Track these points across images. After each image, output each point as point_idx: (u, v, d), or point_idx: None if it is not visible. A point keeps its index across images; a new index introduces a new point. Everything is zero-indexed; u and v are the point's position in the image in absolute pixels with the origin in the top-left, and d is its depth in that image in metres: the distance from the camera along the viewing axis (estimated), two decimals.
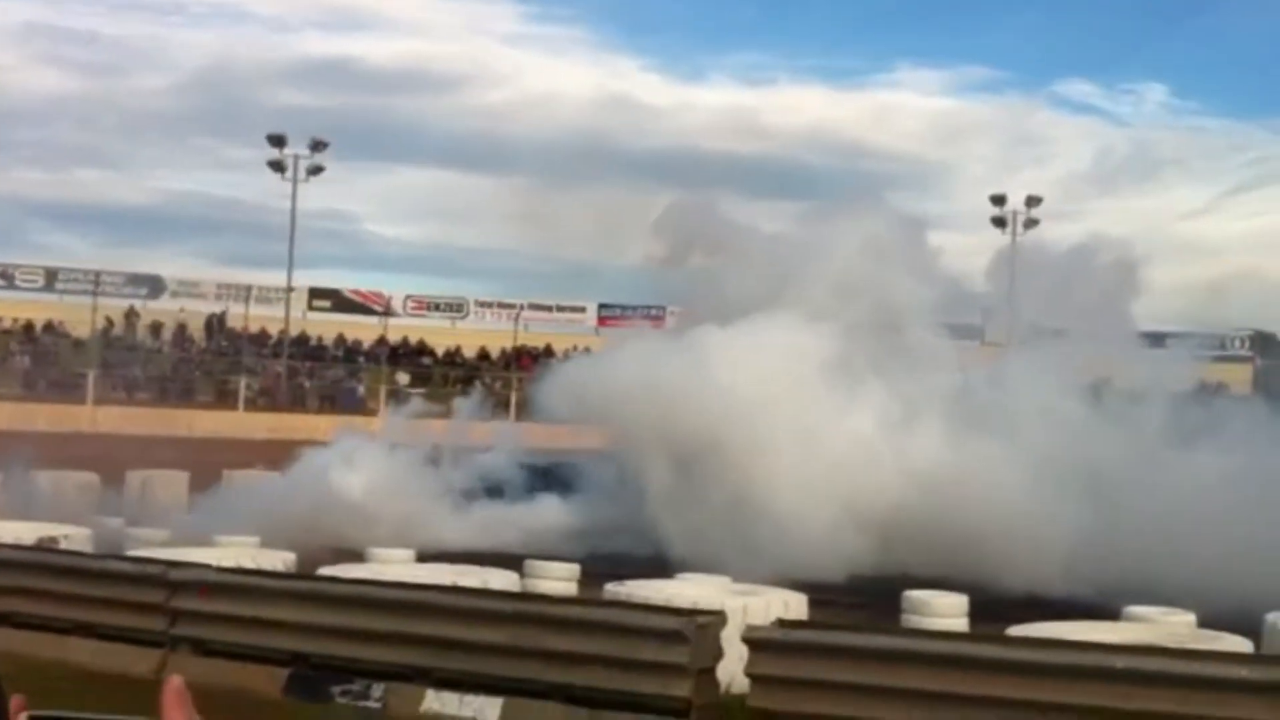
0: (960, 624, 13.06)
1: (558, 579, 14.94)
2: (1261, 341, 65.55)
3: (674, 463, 21.97)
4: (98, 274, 47.63)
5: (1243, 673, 8.17)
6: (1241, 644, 10.51)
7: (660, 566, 15.61)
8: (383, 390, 42.66)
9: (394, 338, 48.70)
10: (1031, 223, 65.04)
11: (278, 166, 46.89)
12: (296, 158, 46.68)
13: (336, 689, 10.58)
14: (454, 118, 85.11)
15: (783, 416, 21.87)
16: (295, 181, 46.91)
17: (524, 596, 12.31)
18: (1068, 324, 27.24)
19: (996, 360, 25.58)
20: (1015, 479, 20.82)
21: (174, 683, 1.19)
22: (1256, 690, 7.99)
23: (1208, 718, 8.01)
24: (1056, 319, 27.67)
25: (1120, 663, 8.35)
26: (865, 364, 23.37)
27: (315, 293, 51.07)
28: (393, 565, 14.70)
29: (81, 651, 11.44)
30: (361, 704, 10.39)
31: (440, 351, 48.27)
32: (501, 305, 52.59)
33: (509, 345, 48.75)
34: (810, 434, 21.79)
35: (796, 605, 12.29)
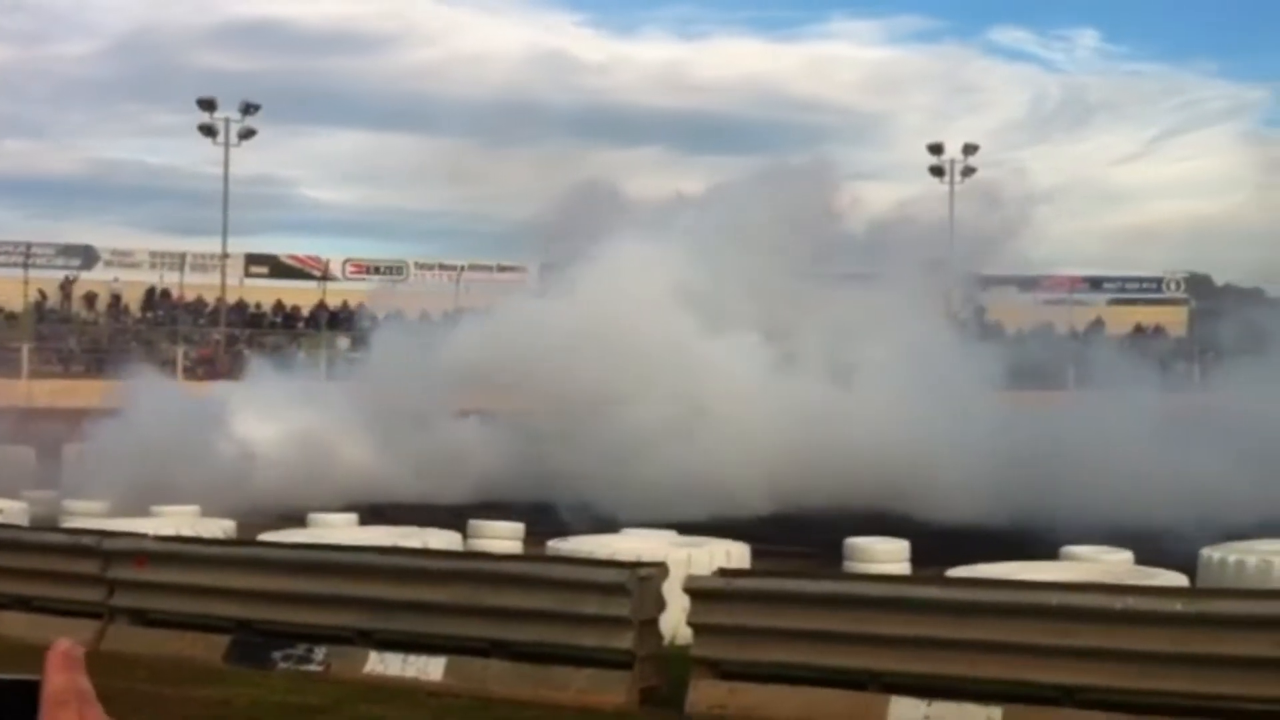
0: (902, 569, 13.19)
1: (502, 538, 14.94)
2: (1196, 284, 66.46)
3: (555, 413, 22.32)
4: (28, 246, 46.82)
5: (1176, 606, 8.28)
6: (1177, 579, 10.67)
7: (604, 523, 15.65)
8: (323, 355, 42.32)
9: (333, 302, 48.26)
10: (969, 171, 65.46)
11: (209, 131, 46.20)
12: (228, 121, 46.03)
13: (278, 654, 10.52)
14: (386, 78, 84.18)
15: (649, 348, 22.31)
16: (227, 146, 46.27)
17: (465, 555, 12.31)
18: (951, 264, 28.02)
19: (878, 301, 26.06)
20: (900, 414, 21.36)
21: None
22: (1189, 623, 8.10)
23: (1142, 651, 8.12)
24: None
25: (1055, 599, 8.44)
26: (751, 304, 23.88)
27: (252, 259, 50.48)
28: (334, 529, 14.63)
29: (17, 625, 11.30)
30: (304, 668, 10.34)
31: (380, 315, 47.87)
32: (442, 267, 52.21)
33: (451, 308, 48.47)
34: (685, 372, 22.24)
35: (739, 555, 12.38)
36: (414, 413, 23.57)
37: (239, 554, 11.74)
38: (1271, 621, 7.94)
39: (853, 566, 13.25)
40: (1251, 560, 11.31)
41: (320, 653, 10.40)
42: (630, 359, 22.15)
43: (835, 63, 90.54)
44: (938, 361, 23.84)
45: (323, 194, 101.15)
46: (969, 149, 65.62)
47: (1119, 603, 8.33)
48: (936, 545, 13.78)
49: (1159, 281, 71.92)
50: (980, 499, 18.80)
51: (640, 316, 22.70)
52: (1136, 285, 72.61)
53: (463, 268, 51.18)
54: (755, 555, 12.79)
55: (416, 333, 27.42)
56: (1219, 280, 58.77)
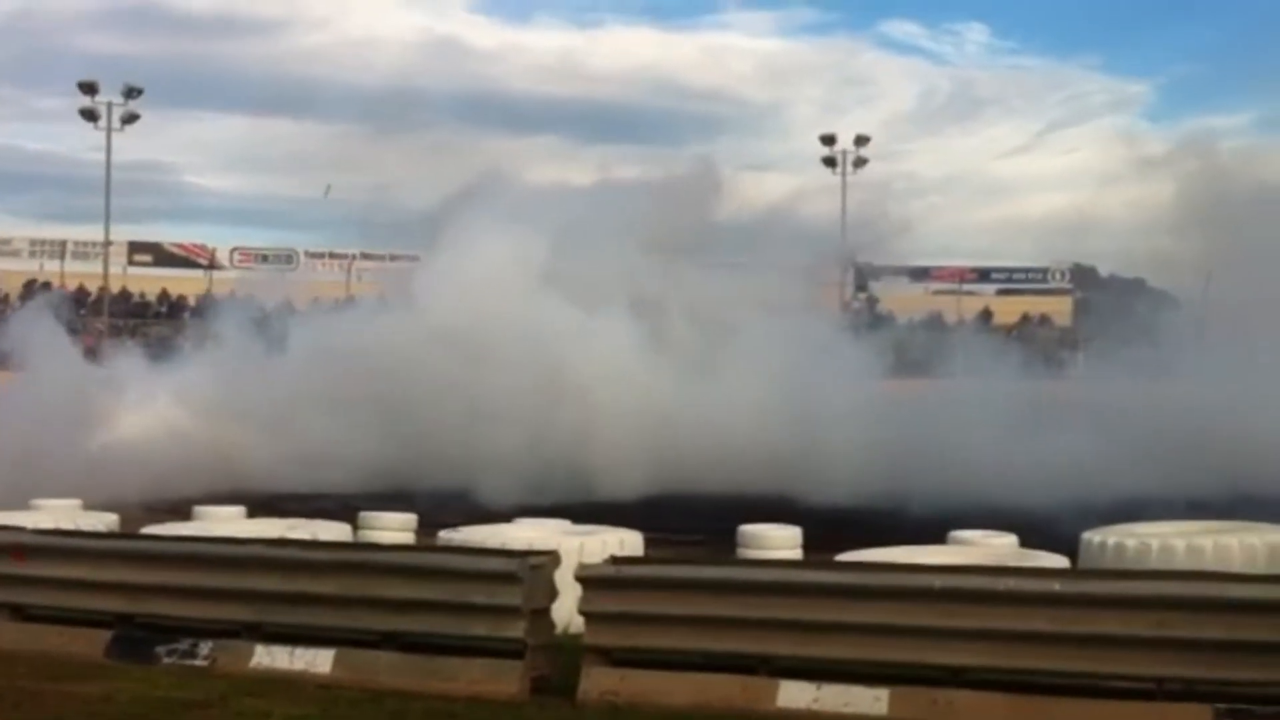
0: (795, 555, 13.31)
1: (393, 529, 14.78)
2: (1081, 274, 67.96)
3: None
4: None
5: (1055, 587, 8.47)
6: (1058, 561, 10.90)
7: (499, 513, 15.60)
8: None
9: (221, 291, 47.42)
10: (861, 162, 66.22)
11: (90, 115, 45.12)
12: (110, 105, 44.98)
13: (162, 649, 10.31)
14: (273, 62, 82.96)
15: (512, 337, 22.66)
16: (109, 130, 45.23)
17: (352, 546, 12.17)
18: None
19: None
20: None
21: None
22: (1068, 603, 8.29)
23: (1022, 630, 8.30)
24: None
25: (939, 582, 8.59)
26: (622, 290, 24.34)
27: (135, 247, 49.49)
28: (220, 522, 14.39)
29: None
30: (188, 662, 10.15)
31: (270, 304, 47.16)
32: (333, 256, 51.64)
33: (342, 296, 47.91)
34: (551, 354, 22.60)
35: (632, 543, 12.40)
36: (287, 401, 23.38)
37: (120, 547, 11.48)
38: (1147, 601, 8.15)
39: (746, 553, 13.34)
40: (1131, 543, 11.58)
41: (205, 647, 10.22)
42: (492, 350, 22.32)
43: (729, 53, 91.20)
44: (812, 348, 24.32)
45: (208, 181, 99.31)
46: (860, 140, 66.37)
47: (1001, 584, 8.50)
48: (825, 531, 13.91)
49: (1045, 272, 73.53)
50: (854, 483, 19.25)
51: (502, 307, 22.91)
52: (1023, 276, 74.20)
53: (354, 256, 50.64)
54: (648, 543, 12.82)
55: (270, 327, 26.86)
56: (1103, 271, 60.18)
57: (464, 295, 23.28)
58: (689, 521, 17.14)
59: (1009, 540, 12.67)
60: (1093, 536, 11.94)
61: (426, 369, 22.45)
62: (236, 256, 50.96)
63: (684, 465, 21.36)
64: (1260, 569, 10.64)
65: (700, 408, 22.70)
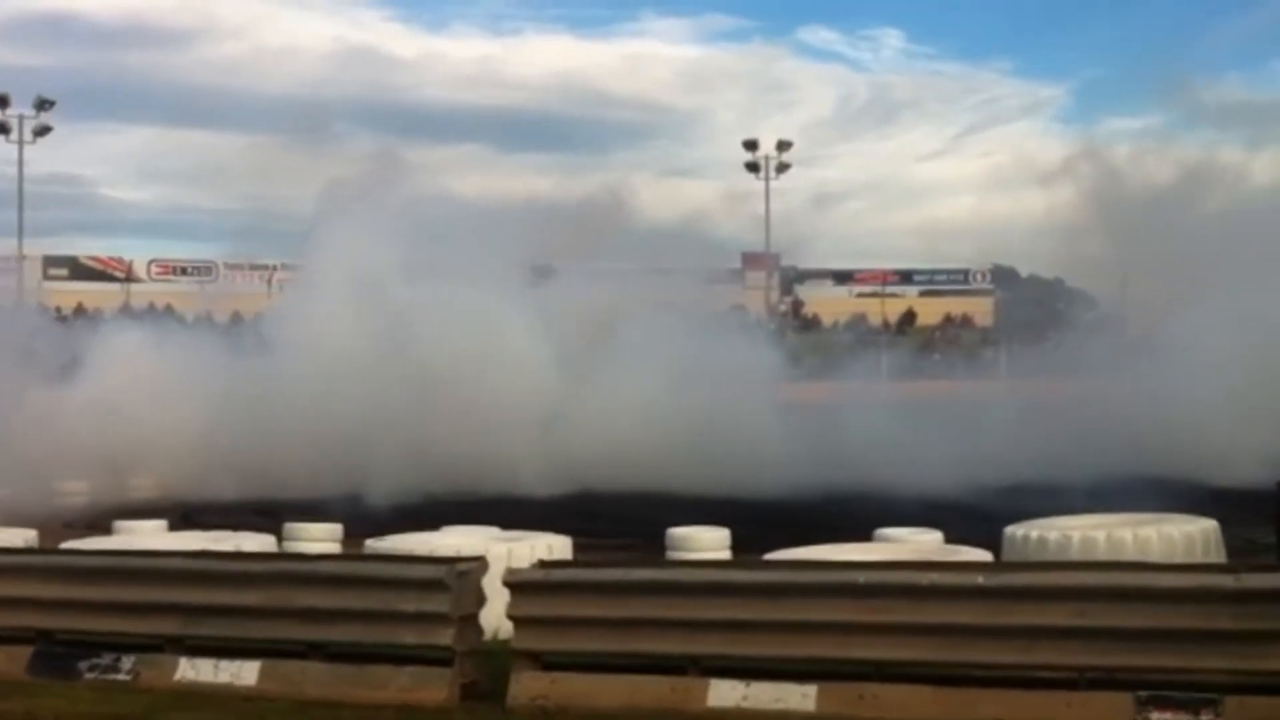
0: (723, 556, 13.35)
1: (318, 540, 14.63)
2: (1002, 275, 68.92)
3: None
4: None
5: (978, 580, 8.57)
6: (981, 556, 11.04)
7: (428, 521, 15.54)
8: None
9: (139, 304, 46.76)
10: (783, 167, 66.66)
11: (1, 129, 44.30)
12: (21, 118, 44.21)
13: (84, 664, 10.14)
14: (187, 73, 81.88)
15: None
16: (21, 143, 44.46)
17: (277, 556, 12.03)
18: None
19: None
20: None
21: None
22: (991, 595, 8.39)
23: (946, 624, 8.39)
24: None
25: (863, 578, 8.66)
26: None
27: (50, 261, 48.65)
28: (141, 535, 14.18)
29: None
30: (111, 677, 9.99)
31: (190, 317, 46.56)
32: (253, 267, 51.01)
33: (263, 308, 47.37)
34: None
35: (560, 548, 12.36)
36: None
37: (39, 562, 11.29)
38: (1067, 592, 8.28)
39: (675, 555, 13.37)
40: (1052, 535, 11.74)
41: (128, 661, 10.06)
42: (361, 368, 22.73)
43: (648, 60, 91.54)
44: (705, 350, 24.80)
45: (123, 193, 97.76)
46: (783, 145, 66.81)
47: (924, 578, 8.59)
48: (753, 531, 13.98)
49: (966, 273, 74.48)
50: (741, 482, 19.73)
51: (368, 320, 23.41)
52: (945, 277, 75.12)
53: (275, 267, 50.04)
54: (577, 548, 12.80)
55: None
56: (1023, 272, 61.06)
57: (321, 321, 23.69)
58: (602, 524, 17.20)
59: (934, 536, 12.82)
60: (1015, 530, 12.08)
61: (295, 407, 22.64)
62: (154, 269, 50.24)
63: (573, 464, 21.80)
64: (1178, 558, 10.83)
65: (587, 408, 23.19)
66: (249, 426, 22.47)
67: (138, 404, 22.81)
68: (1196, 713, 7.87)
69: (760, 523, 15.50)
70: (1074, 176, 31.14)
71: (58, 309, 45.42)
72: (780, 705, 8.59)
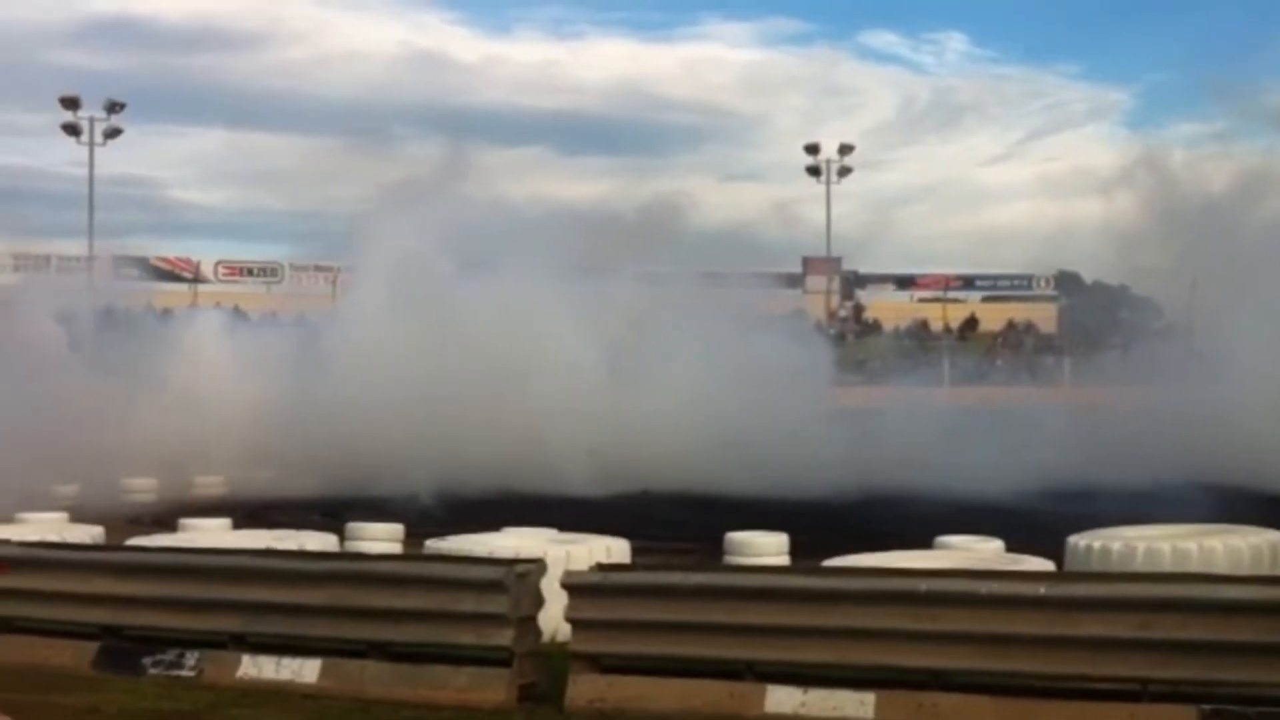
0: (781, 561, 13.32)
1: (379, 539, 14.76)
2: (1066, 281, 68.17)
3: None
4: None
5: (1040, 590, 8.49)
6: (1044, 565, 10.93)
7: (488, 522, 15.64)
8: None
9: (206, 304, 47.34)
10: (845, 171, 66.37)
11: (72, 130, 45.12)
12: (92, 120, 44.93)
13: (148, 660, 10.30)
14: (255, 77, 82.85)
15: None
16: (92, 145, 45.22)
17: (338, 556, 12.16)
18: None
19: None
20: None
21: None
22: (1051, 606, 8.31)
23: (1008, 634, 8.32)
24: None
25: (924, 586, 8.61)
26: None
27: (120, 261, 49.30)
28: (205, 533, 14.37)
29: None
30: (174, 673, 10.14)
31: (256, 318, 47.10)
32: (318, 268, 51.46)
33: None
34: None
35: (619, 551, 12.38)
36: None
37: (106, 559, 11.48)
38: (1131, 603, 8.19)
39: (734, 560, 13.34)
40: (1116, 546, 11.62)
41: (192, 658, 10.21)
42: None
43: (709, 64, 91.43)
44: (748, 356, 24.96)
45: (191, 195, 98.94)
46: (844, 149, 66.51)
47: (984, 587, 8.53)
48: (812, 537, 13.93)
49: (1029, 279, 73.72)
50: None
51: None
52: (1008, 283, 74.39)
53: (339, 269, 50.46)
54: (634, 551, 12.81)
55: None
56: (1087, 278, 60.40)
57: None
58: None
59: (995, 545, 12.70)
60: (1078, 540, 11.96)
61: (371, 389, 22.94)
62: (221, 270, 50.87)
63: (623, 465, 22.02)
64: (1245, 570, 10.69)
65: (633, 409, 23.37)
66: (311, 425, 22.72)
67: (205, 400, 23.19)
68: None
69: (820, 528, 15.43)
70: (1134, 182, 30.82)
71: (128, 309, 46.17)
72: (838, 713, 8.56)
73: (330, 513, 17.65)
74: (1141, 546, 11.42)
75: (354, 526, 15.05)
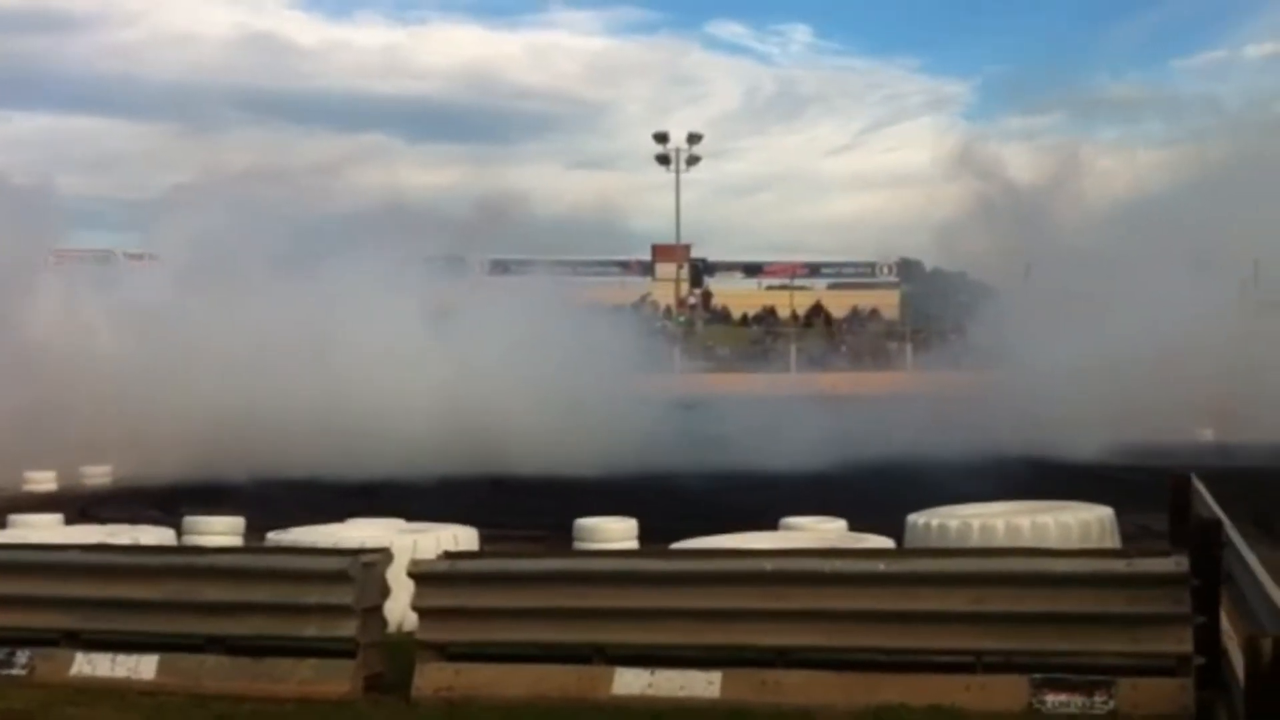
0: (631, 546, 13.36)
1: (218, 533, 14.39)
2: (908, 268, 69.83)
3: None
4: None
5: (879, 567, 8.68)
6: (884, 543, 11.17)
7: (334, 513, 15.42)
8: None
9: None
10: (693, 160, 66.89)
11: None
12: None
13: None
14: (84, 59, 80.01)
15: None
16: None
17: (176, 550, 11.85)
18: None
19: None
20: None
21: None
22: (892, 582, 8.50)
23: (851, 610, 8.49)
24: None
25: (769, 565, 8.73)
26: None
27: None
28: (38, 530, 13.87)
29: None
30: (6, 672, 9.77)
31: None
32: (154, 256, 50.02)
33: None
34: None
35: (466, 539, 12.29)
36: None
37: None
38: (965, 578, 8.41)
39: (583, 546, 13.34)
40: (953, 524, 11.91)
41: (23, 656, 9.85)
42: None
43: (556, 51, 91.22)
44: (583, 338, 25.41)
45: (19, 181, 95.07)
46: (693, 138, 67.01)
47: (828, 566, 8.68)
48: (660, 522, 14.02)
49: (873, 266, 75.32)
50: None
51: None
52: (852, 270, 75.92)
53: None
54: (484, 540, 12.74)
55: None
56: (928, 265, 61.95)
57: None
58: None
59: (839, 525, 12.94)
60: (917, 519, 12.25)
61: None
62: (51, 259, 49.00)
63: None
64: (1075, 545, 11.04)
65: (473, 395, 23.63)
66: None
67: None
68: (1090, 694, 8.03)
69: (667, 513, 15.55)
70: (963, 172, 31.85)
71: None
72: (685, 692, 8.63)
73: (164, 507, 17.22)
74: (977, 524, 11.73)
75: (192, 520, 14.67)
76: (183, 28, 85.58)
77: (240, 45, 78.08)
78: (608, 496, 16.65)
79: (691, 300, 68.49)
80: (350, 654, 9.25)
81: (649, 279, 68.86)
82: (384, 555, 9.62)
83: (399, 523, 13.41)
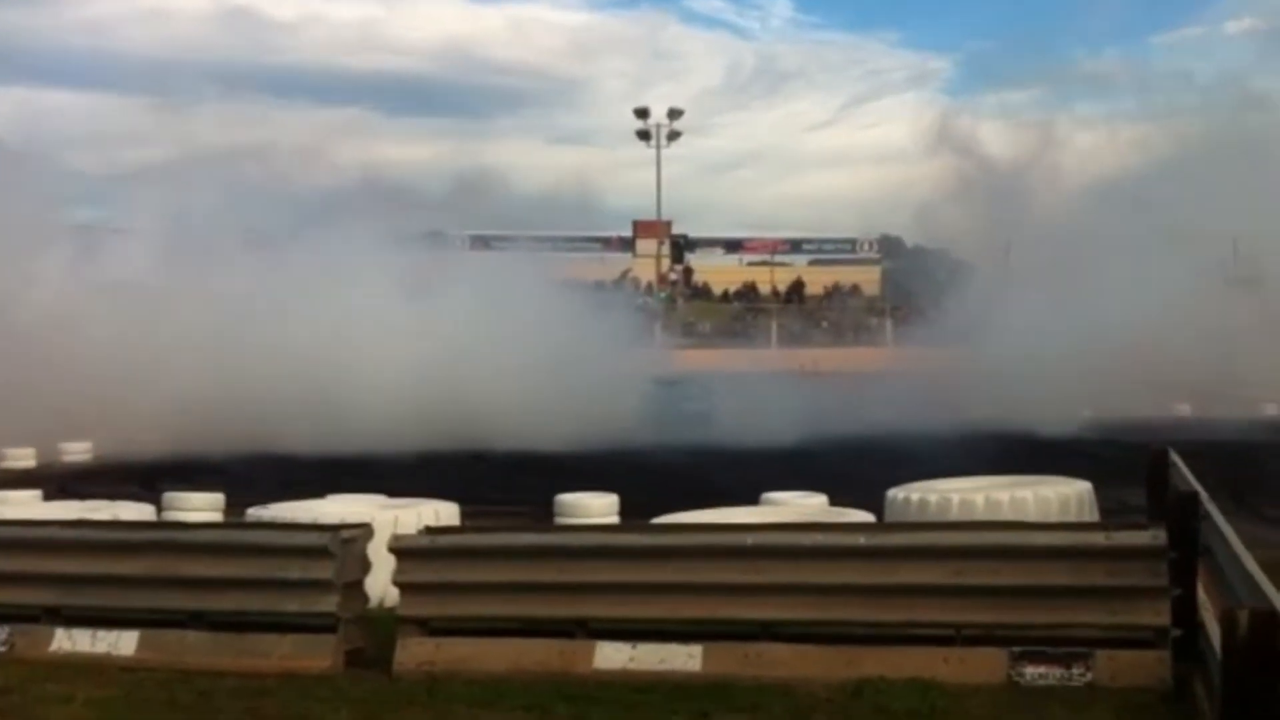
0: (612, 521, 13.37)
1: (198, 509, 14.37)
2: (889, 245, 69.92)
3: None
4: None
5: (860, 541, 8.72)
6: (864, 517, 11.21)
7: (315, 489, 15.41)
8: None
9: None
10: (674, 135, 66.76)
11: None
12: None
13: None
14: (56, 32, 79.28)
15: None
16: None
17: (156, 525, 11.83)
18: None
19: None
20: None
21: None
22: (871, 555, 8.55)
23: (831, 584, 8.53)
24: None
25: (750, 540, 8.76)
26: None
27: None
28: (16, 506, 13.81)
29: None
30: None
31: None
32: (129, 233, 49.73)
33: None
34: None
35: (448, 514, 12.30)
36: None
37: None
38: (944, 551, 8.45)
39: (564, 521, 13.35)
40: (933, 498, 11.96)
41: (3, 632, 9.84)
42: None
43: (535, 26, 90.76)
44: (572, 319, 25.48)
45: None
46: (674, 114, 66.87)
47: (808, 540, 8.72)
48: (642, 497, 14.05)
49: (854, 243, 75.38)
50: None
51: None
52: (833, 247, 75.97)
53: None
54: (465, 515, 12.75)
55: None
56: (909, 242, 62.03)
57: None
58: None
59: (819, 500, 12.98)
60: (897, 493, 12.29)
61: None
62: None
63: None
64: (1052, 518, 11.11)
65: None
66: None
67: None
68: (1068, 666, 8.09)
69: (648, 488, 15.57)
70: (942, 149, 31.88)
71: None
72: (666, 665, 8.67)
73: (144, 483, 17.19)
74: (956, 498, 11.78)
75: (171, 496, 14.64)
76: (158, 1, 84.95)
77: (217, 19, 77.63)
78: (589, 472, 16.66)
79: (672, 276, 68.46)
80: (331, 629, 9.25)
81: (629, 255, 68.83)
82: (365, 530, 9.62)
83: (380, 498, 13.40)
